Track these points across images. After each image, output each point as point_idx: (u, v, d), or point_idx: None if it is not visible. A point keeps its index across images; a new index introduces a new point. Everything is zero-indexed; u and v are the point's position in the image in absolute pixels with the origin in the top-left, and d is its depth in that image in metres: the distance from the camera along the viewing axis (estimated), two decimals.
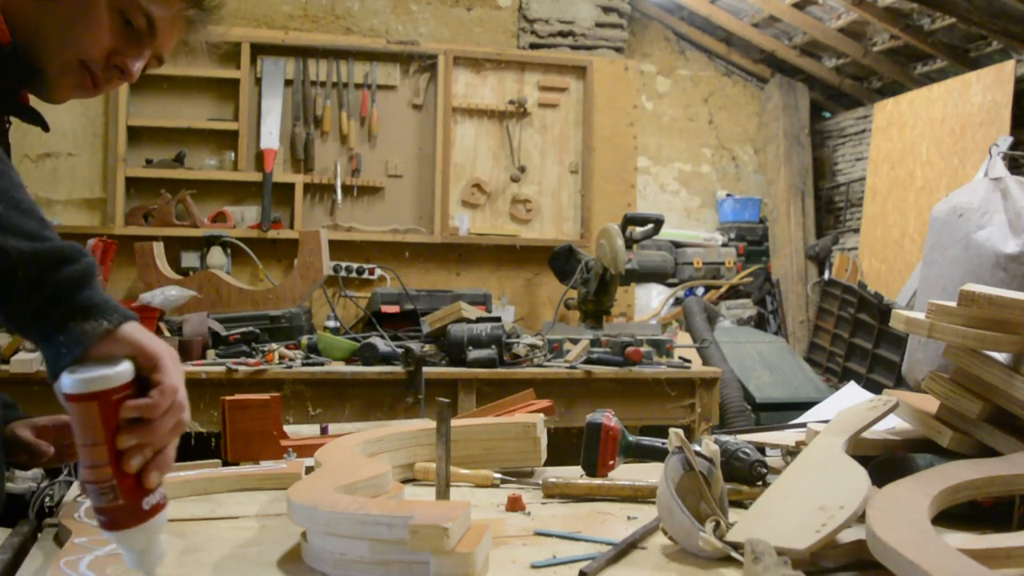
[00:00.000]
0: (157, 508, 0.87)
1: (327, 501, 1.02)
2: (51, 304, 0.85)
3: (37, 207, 0.90)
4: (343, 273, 4.34)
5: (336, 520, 0.98)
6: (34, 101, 1.24)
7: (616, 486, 1.39)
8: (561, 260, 4.12)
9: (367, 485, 1.14)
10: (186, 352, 3.04)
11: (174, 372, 0.88)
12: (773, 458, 1.58)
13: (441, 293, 4.04)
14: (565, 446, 2.13)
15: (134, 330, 0.87)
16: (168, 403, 0.87)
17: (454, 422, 1.55)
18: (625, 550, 1.10)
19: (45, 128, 1.26)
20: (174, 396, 0.87)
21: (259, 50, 4.39)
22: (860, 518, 1.03)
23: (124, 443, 0.84)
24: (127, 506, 0.85)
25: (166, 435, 0.87)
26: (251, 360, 2.99)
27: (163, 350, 0.88)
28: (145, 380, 0.86)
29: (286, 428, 1.70)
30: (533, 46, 5.27)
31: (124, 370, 0.84)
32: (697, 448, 1.21)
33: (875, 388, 3.85)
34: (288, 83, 4.45)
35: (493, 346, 3.09)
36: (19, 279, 0.84)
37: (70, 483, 1.46)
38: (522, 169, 4.70)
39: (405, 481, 1.48)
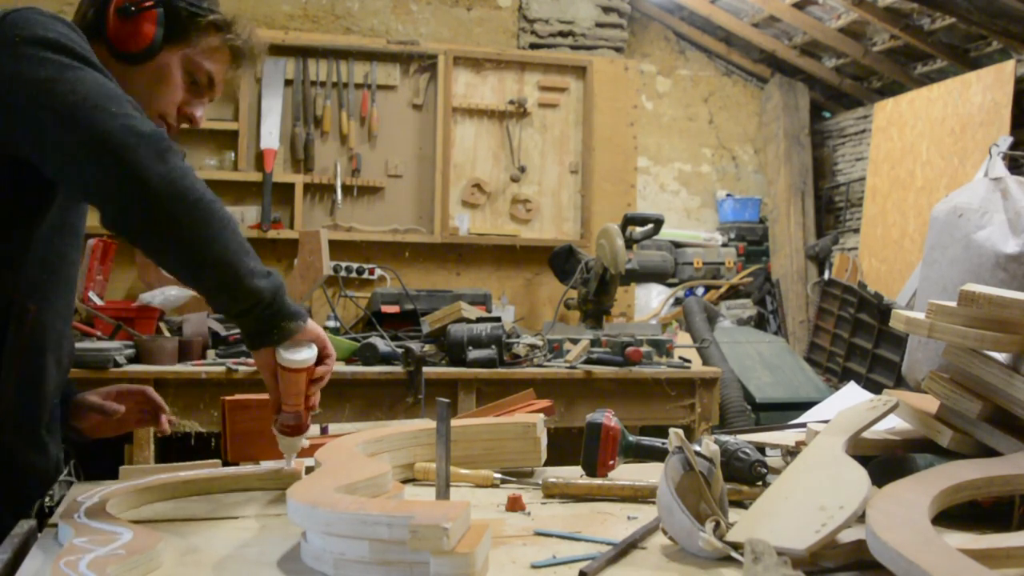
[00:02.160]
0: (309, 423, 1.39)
1: (327, 501, 1.02)
2: (279, 315, 1.28)
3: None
4: (343, 273, 4.34)
5: (336, 520, 0.98)
6: None
7: (616, 486, 1.39)
8: (561, 260, 4.12)
9: (367, 485, 1.14)
10: (186, 352, 3.04)
11: (331, 347, 1.39)
12: (773, 458, 1.58)
13: (441, 293, 4.04)
14: (565, 446, 2.13)
15: (311, 326, 1.34)
16: (330, 369, 1.38)
17: (454, 422, 1.55)
18: (625, 550, 1.10)
19: None
20: (332, 364, 1.39)
21: None
22: (860, 518, 1.03)
23: (312, 392, 1.36)
24: (304, 424, 1.37)
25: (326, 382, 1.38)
26: (251, 360, 2.99)
27: (325, 335, 1.37)
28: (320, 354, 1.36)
29: None
30: (533, 46, 5.27)
31: (315, 352, 1.35)
32: (697, 448, 1.21)
33: (875, 388, 3.85)
34: (288, 83, 4.45)
35: (493, 346, 3.09)
36: (264, 305, 1.26)
37: (70, 483, 1.46)
38: (522, 169, 4.70)
39: (405, 481, 1.48)
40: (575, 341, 3.34)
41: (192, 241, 1.20)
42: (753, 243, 6.85)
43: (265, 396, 1.45)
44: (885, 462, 1.35)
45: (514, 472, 1.52)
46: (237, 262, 1.22)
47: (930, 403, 1.44)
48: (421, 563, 0.93)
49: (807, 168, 6.91)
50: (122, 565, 0.96)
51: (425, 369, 3.01)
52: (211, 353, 3.14)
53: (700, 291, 6.32)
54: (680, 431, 1.22)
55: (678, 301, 5.96)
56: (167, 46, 1.41)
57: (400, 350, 3.08)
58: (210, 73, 1.46)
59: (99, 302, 3.47)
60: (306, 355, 1.32)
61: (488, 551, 1.00)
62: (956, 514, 1.19)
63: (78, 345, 2.93)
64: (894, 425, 1.52)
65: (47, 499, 1.42)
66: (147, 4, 1.39)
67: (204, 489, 1.39)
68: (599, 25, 5.49)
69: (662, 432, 1.37)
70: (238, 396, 1.62)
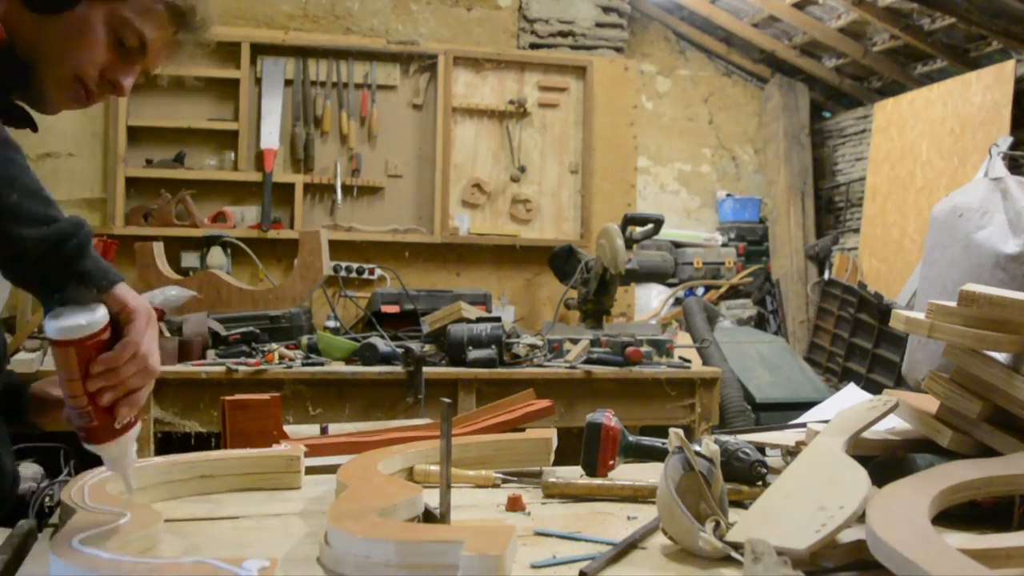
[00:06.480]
0: (128, 427, 1.05)
1: (368, 529, 1.01)
2: (54, 273, 0.99)
3: (42, 187, 1.02)
4: (343, 273, 4.34)
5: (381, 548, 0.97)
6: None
7: (616, 486, 1.39)
8: (561, 260, 4.12)
9: (403, 505, 1.13)
10: (186, 352, 3.04)
11: (142, 329, 1.04)
12: (773, 458, 1.58)
13: (441, 293, 4.04)
14: (565, 446, 2.13)
15: (121, 290, 1.03)
16: (129, 355, 1.02)
17: (468, 438, 1.55)
18: (625, 550, 1.10)
19: (34, 129, 1.32)
20: (135, 349, 1.02)
21: (259, 50, 4.39)
22: (860, 518, 1.03)
23: (93, 386, 1.01)
24: (101, 427, 1.02)
25: (131, 380, 1.03)
26: (251, 360, 2.99)
27: (142, 309, 1.04)
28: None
29: (286, 428, 1.70)
30: (533, 46, 5.27)
31: (95, 320, 0.98)
32: (697, 448, 1.21)
33: (875, 388, 3.84)
34: (288, 83, 4.45)
35: (493, 346, 3.09)
36: (31, 259, 0.99)
37: (68, 483, 1.45)
38: (522, 169, 4.70)
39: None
40: (575, 341, 3.34)
41: None
42: (753, 243, 6.86)
43: (265, 396, 1.44)
44: (885, 462, 1.35)
45: (517, 472, 1.52)
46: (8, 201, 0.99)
47: (930, 403, 1.44)
48: (448, 566, 0.92)
49: (807, 168, 6.92)
50: (120, 539, 0.97)
51: (425, 369, 3.01)
52: (211, 353, 3.14)
53: (700, 291, 6.32)
54: (680, 431, 1.22)
55: (678, 301, 5.96)
56: None
57: (400, 350, 3.08)
58: (141, 34, 1.26)
59: None
60: (74, 322, 0.97)
61: (515, 554, 0.99)
62: (956, 514, 1.19)
63: None
64: (894, 425, 1.52)
65: (47, 499, 1.41)
66: None
67: (204, 489, 1.39)
68: (599, 25, 5.49)
69: (662, 432, 1.37)
70: (238, 396, 1.62)
